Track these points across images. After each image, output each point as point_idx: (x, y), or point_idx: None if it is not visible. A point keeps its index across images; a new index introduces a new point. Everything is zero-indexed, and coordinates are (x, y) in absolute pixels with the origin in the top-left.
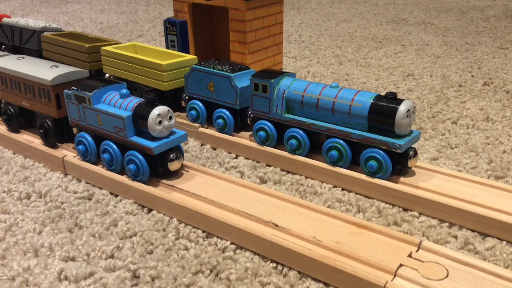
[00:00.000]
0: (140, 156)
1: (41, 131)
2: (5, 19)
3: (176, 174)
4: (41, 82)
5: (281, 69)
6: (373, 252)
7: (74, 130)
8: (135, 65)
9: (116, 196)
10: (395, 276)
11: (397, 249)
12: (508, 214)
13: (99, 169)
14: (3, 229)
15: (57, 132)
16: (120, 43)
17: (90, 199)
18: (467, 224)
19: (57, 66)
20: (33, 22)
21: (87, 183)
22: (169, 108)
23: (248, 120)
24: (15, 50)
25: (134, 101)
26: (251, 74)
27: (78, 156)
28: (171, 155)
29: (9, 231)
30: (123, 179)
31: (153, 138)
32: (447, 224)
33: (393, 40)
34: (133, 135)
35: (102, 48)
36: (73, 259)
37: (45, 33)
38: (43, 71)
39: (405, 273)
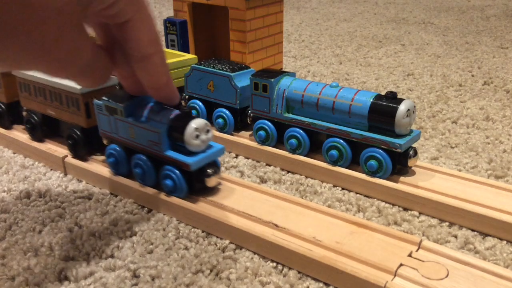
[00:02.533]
0: (177, 172)
1: (70, 141)
2: None
3: (212, 190)
4: (70, 90)
5: (281, 68)
6: (373, 252)
7: (105, 141)
8: None
9: (116, 195)
10: (395, 276)
11: (397, 248)
12: (508, 213)
13: (99, 170)
14: (3, 229)
15: (87, 143)
16: None
17: (90, 199)
18: (467, 224)
19: None
20: None
21: (87, 183)
22: (206, 121)
23: (248, 119)
24: None
25: (169, 113)
26: (251, 73)
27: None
28: (209, 171)
29: (9, 230)
30: (123, 179)
31: (189, 153)
32: (447, 223)
33: (393, 39)
34: (169, 149)
35: None
36: (73, 259)
37: None
38: None
39: (405, 272)
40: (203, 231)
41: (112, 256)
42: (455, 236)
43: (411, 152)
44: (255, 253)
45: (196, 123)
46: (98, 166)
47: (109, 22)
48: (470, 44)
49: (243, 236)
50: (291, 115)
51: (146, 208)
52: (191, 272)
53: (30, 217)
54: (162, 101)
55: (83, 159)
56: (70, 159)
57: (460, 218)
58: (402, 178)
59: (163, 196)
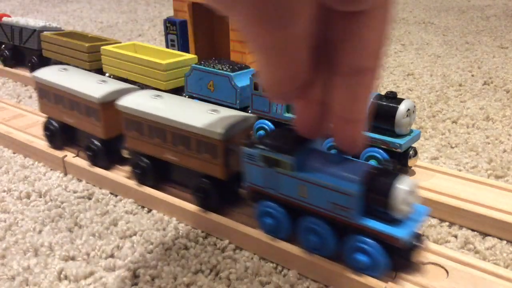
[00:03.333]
0: (376, 245)
1: (199, 194)
2: (5, 19)
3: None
4: (206, 134)
5: None
6: None
7: (247, 194)
8: (135, 64)
9: (116, 195)
10: (395, 278)
11: None
12: (508, 213)
13: (99, 170)
14: (3, 229)
15: (221, 196)
16: (120, 43)
17: (90, 199)
18: (467, 224)
19: (218, 111)
20: (33, 21)
21: (87, 183)
22: (414, 180)
23: None
24: (15, 49)
25: (361, 168)
26: (251, 73)
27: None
28: (415, 242)
29: (9, 230)
30: (124, 180)
31: (391, 219)
32: (447, 223)
33: (393, 39)
34: (362, 216)
35: (102, 47)
36: (73, 259)
37: (45, 32)
38: (206, 119)
39: (405, 274)
40: (202, 231)
41: (112, 256)
42: (455, 236)
43: (411, 152)
44: (255, 253)
45: (407, 184)
46: (98, 167)
47: (339, 8)
48: (470, 44)
49: (242, 238)
50: (291, 115)
51: (146, 208)
52: (191, 272)
53: (30, 217)
54: (342, 143)
55: (216, 211)
56: (70, 159)
57: (460, 218)
58: None
59: (163, 196)
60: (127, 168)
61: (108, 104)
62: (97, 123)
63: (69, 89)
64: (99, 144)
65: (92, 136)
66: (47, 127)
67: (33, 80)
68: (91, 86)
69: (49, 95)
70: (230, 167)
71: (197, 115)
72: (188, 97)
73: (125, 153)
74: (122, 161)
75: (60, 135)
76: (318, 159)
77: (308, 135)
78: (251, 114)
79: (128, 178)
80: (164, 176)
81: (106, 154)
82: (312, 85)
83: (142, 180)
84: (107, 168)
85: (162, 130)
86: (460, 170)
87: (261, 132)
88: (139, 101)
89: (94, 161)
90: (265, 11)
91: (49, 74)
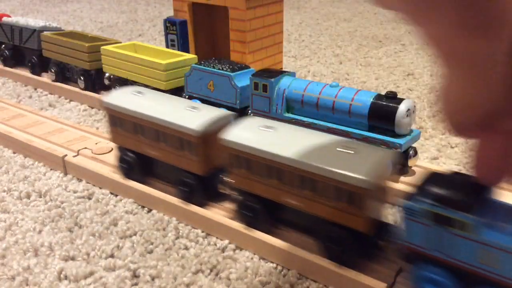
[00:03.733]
0: None
1: (332, 245)
2: (5, 18)
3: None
4: (345, 180)
5: (281, 68)
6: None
7: (401, 254)
8: (135, 64)
9: (116, 195)
10: (395, 280)
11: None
12: None
13: (99, 170)
14: (3, 229)
15: (359, 249)
16: (120, 42)
17: (90, 199)
18: None
19: (352, 147)
20: (33, 21)
21: (88, 182)
22: None
23: None
24: (15, 49)
25: None
26: (251, 73)
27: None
28: None
29: (9, 230)
30: (123, 180)
31: None
32: None
33: (393, 39)
34: None
35: (102, 47)
36: (73, 259)
37: (45, 32)
38: (340, 159)
39: (404, 277)
40: (202, 231)
41: (112, 256)
42: None
43: (411, 152)
44: (255, 253)
45: None
46: (97, 166)
47: None
48: None
49: (242, 237)
50: (291, 115)
51: (146, 208)
52: (191, 272)
53: (30, 217)
54: None
55: (352, 266)
56: (70, 159)
57: None
58: (402, 178)
59: (163, 196)
60: (228, 205)
61: (207, 137)
62: (193, 157)
63: (155, 118)
64: (195, 180)
65: (185, 170)
66: (123, 159)
67: (33, 80)
68: (183, 115)
69: (124, 123)
70: (372, 218)
71: (327, 153)
72: (188, 97)
73: (223, 189)
74: (220, 197)
75: (139, 167)
76: (507, 215)
77: (489, 182)
78: (391, 150)
79: (231, 219)
80: (279, 219)
81: (203, 190)
82: (502, 113)
83: (252, 224)
84: (202, 205)
85: (280, 171)
86: (460, 170)
87: None
88: (250, 136)
89: (189, 198)
90: (473, 18)
91: (124, 99)
